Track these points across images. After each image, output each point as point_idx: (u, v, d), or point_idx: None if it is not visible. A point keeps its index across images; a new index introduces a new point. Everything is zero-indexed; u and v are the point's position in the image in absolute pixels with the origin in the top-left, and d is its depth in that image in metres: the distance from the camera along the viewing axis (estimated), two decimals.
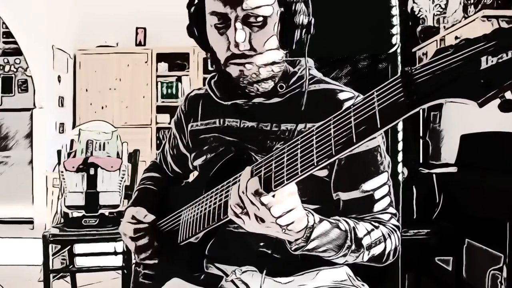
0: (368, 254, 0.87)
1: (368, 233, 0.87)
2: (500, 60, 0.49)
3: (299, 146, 0.71)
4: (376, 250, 0.88)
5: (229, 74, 0.93)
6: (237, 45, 0.88)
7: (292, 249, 0.81)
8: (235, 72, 0.92)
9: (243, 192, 0.76)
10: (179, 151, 1.14)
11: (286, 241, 0.81)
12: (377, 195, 0.91)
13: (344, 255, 0.85)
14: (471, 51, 0.52)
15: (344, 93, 0.94)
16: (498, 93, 0.50)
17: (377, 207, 0.91)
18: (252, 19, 0.89)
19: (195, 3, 0.96)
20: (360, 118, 0.62)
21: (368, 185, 0.91)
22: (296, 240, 0.80)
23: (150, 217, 1.03)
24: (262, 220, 0.75)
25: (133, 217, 1.04)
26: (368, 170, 0.91)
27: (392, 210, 0.93)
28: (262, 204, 0.73)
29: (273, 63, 0.93)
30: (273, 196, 0.74)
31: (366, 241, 0.86)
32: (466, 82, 0.52)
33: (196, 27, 0.97)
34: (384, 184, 0.92)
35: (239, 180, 0.79)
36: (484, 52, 0.51)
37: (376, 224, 0.89)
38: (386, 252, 0.89)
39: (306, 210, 0.79)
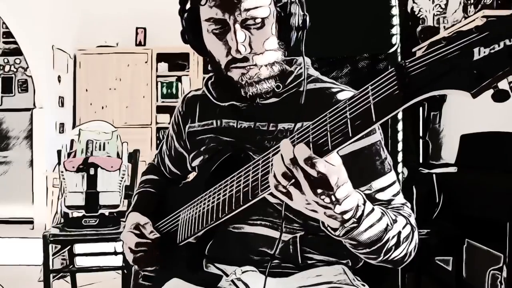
0: (398, 251, 0.82)
1: (405, 225, 0.83)
2: (492, 51, 0.50)
3: (295, 142, 0.70)
4: (404, 246, 0.83)
5: (230, 78, 0.93)
6: (238, 50, 0.88)
7: (342, 233, 0.73)
8: (236, 76, 0.92)
9: (291, 160, 0.65)
10: (177, 152, 1.14)
11: (329, 227, 0.74)
12: (389, 192, 0.90)
13: (381, 248, 0.79)
14: (464, 43, 0.52)
15: (341, 92, 0.94)
16: (491, 83, 0.50)
17: (394, 203, 0.89)
18: (250, 22, 0.88)
19: (188, 9, 0.95)
20: (355, 112, 0.62)
21: (376, 184, 0.89)
22: (346, 221, 0.72)
23: (155, 235, 1.01)
24: (320, 188, 0.65)
25: (137, 228, 1.03)
26: (374, 165, 0.90)
27: (407, 207, 0.91)
28: (317, 170, 0.64)
29: (274, 63, 0.93)
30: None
31: (404, 234, 0.82)
32: (459, 73, 0.52)
33: (191, 33, 0.96)
34: (394, 182, 0.91)
35: (278, 151, 0.69)
36: (476, 43, 0.51)
37: (406, 216, 0.86)
38: (409, 249, 0.85)
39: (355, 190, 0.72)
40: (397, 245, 0.81)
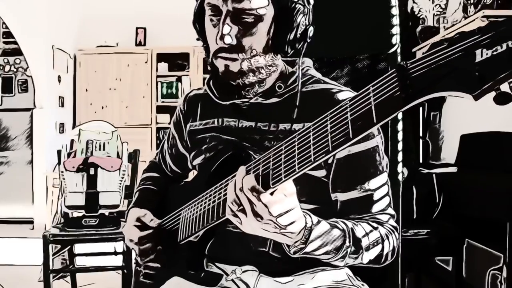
0: (367, 256, 0.86)
1: (367, 234, 0.86)
2: (494, 53, 0.49)
3: (296, 143, 0.70)
4: (375, 252, 0.87)
5: (216, 69, 0.94)
6: (222, 37, 0.88)
7: (291, 251, 0.80)
8: (221, 67, 0.92)
9: (240, 189, 0.75)
10: (178, 151, 1.15)
11: (285, 244, 0.80)
12: (376, 196, 0.91)
13: (343, 257, 0.84)
14: (466, 44, 0.52)
15: (343, 93, 0.94)
16: (493, 85, 0.50)
17: (376, 207, 0.91)
18: (243, 16, 0.88)
19: None
20: (356, 113, 0.62)
21: (366, 186, 0.91)
22: (294, 242, 0.79)
23: (156, 222, 1.04)
24: (260, 217, 0.74)
25: (139, 220, 1.04)
26: (367, 170, 0.91)
27: (390, 211, 0.93)
28: (259, 200, 0.72)
29: (263, 67, 0.92)
30: (272, 194, 0.73)
31: (364, 242, 0.85)
32: (461, 75, 0.52)
33: (199, 20, 0.97)
34: (383, 185, 0.92)
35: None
36: (478, 45, 0.51)
37: (375, 225, 0.89)
38: (384, 253, 0.89)
39: (303, 211, 0.78)
40: (357, 251, 0.85)
